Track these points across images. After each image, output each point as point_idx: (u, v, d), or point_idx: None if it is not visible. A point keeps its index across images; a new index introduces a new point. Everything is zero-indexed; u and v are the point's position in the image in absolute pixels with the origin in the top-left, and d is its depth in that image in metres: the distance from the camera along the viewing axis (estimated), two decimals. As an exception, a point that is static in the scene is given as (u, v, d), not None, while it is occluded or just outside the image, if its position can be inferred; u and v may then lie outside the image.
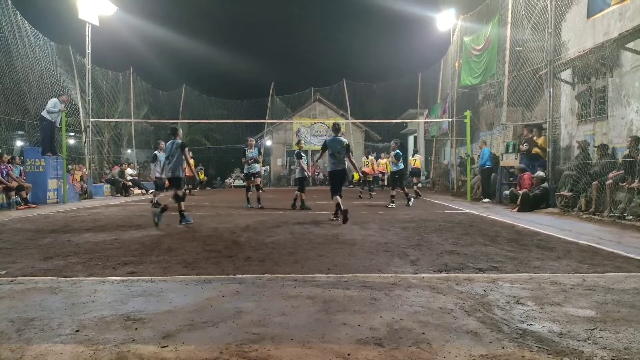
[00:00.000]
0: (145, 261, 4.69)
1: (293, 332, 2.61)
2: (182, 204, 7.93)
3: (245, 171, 11.44)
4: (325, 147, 8.48)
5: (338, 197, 8.26)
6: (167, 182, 11.86)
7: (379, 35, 49.44)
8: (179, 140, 7.93)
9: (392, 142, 11.91)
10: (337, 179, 8.43)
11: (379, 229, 7.11)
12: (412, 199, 11.28)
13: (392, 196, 11.30)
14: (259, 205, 10.82)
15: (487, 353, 2.30)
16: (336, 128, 8.62)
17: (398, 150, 11.54)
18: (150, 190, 18.93)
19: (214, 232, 6.94)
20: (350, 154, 8.43)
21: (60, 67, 15.62)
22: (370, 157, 16.46)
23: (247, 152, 11.09)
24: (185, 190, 11.14)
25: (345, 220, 7.86)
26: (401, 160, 11.63)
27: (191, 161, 9.65)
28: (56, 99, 13.00)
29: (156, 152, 11.64)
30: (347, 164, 8.47)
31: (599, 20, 9.76)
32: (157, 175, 11.65)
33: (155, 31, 28.83)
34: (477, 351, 2.32)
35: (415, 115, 25.38)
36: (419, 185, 16.35)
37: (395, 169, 11.53)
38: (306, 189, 11.17)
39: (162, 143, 11.94)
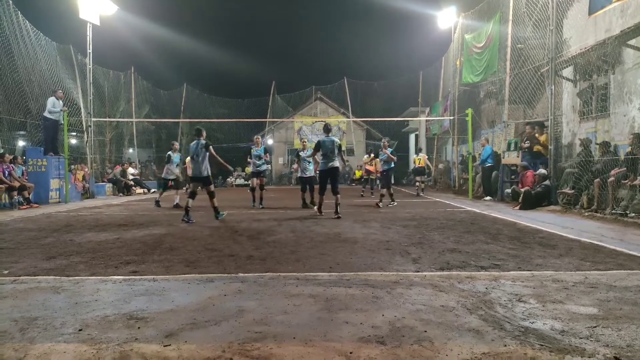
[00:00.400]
0: (147, 260, 4.70)
1: (295, 330, 2.62)
2: (215, 199, 8.41)
3: (252, 169, 11.40)
4: (318, 146, 8.90)
5: (338, 197, 8.68)
6: (169, 183, 11.92)
7: (380, 33, 49.51)
8: (203, 141, 8.34)
9: (384, 140, 11.64)
10: (329, 177, 8.84)
11: (380, 227, 7.11)
12: (381, 204, 10.80)
13: (391, 194, 11.21)
14: (260, 205, 10.82)
15: (489, 351, 2.30)
16: (327, 129, 9.18)
17: (391, 149, 11.46)
18: (152, 190, 19.01)
19: (215, 231, 6.95)
20: (342, 152, 8.99)
21: (61, 67, 15.64)
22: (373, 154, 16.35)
23: (252, 150, 11.06)
24: (187, 188, 11.16)
25: (318, 209, 8.87)
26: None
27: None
28: (53, 98, 12.93)
29: (170, 152, 11.55)
30: (338, 163, 8.86)
31: (600, 18, 9.73)
32: (166, 176, 11.58)
33: (156, 31, 28.87)
34: (479, 349, 2.32)
35: (416, 114, 25.34)
36: (422, 185, 16.30)
37: (387, 167, 11.18)
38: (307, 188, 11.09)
39: (176, 144, 12.00)
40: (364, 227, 7.22)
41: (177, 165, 11.72)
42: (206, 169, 8.33)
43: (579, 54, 10.04)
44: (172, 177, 11.58)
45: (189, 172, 8.53)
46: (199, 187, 8.54)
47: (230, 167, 9.51)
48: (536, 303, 3.10)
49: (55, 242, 5.90)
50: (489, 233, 6.42)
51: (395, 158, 11.23)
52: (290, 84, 34.98)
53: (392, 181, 11.58)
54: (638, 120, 8.83)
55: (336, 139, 9.00)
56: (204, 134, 8.48)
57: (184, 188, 12.68)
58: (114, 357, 2.28)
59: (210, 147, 8.36)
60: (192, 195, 8.33)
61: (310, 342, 2.44)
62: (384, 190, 11.22)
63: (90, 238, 6.25)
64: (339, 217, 8.35)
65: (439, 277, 3.86)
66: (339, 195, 8.70)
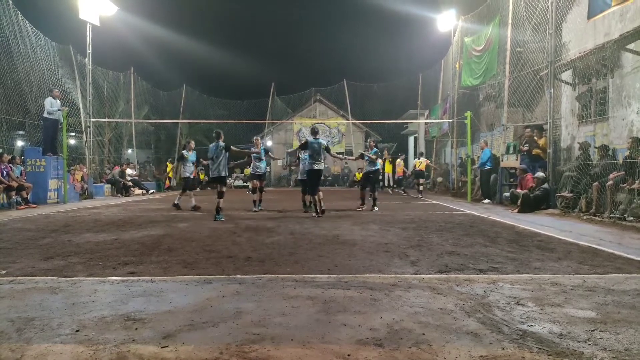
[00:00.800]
0: (145, 261, 4.69)
1: (293, 332, 2.61)
2: (221, 200, 8.76)
3: (251, 171, 11.35)
4: (305, 146, 9.35)
5: (320, 194, 9.22)
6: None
7: (380, 35, 49.49)
8: (222, 143, 8.86)
9: (370, 140, 11.80)
10: (315, 178, 9.31)
11: (379, 230, 7.11)
12: (376, 208, 10.61)
13: (363, 198, 10.93)
14: (259, 208, 10.80)
15: (487, 354, 2.30)
16: (315, 131, 9.71)
17: (376, 149, 11.40)
18: (151, 191, 18.98)
19: (214, 232, 6.94)
20: (330, 152, 9.61)
21: (61, 67, 15.62)
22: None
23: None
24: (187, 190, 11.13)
25: (316, 212, 9.13)
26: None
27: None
28: (50, 98, 12.86)
29: (184, 151, 11.39)
30: (323, 165, 9.43)
31: (599, 21, 9.76)
32: (187, 175, 11.46)
33: (155, 31, 28.86)
34: (477, 352, 2.32)
35: (415, 116, 25.36)
36: (421, 188, 16.31)
37: (371, 168, 10.95)
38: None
39: (192, 142, 11.92)
40: (362, 229, 7.21)
41: (193, 163, 11.56)
42: (224, 169, 8.87)
43: (578, 57, 10.06)
44: (188, 174, 11.43)
45: (215, 173, 8.88)
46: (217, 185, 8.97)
47: (256, 150, 10.41)
48: (534, 306, 3.10)
49: (53, 243, 5.88)
50: (487, 236, 6.42)
51: (374, 157, 10.93)
52: (290, 86, 35.04)
53: (383, 184, 11.52)
54: (636, 124, 8.85)
55: (323, 141, 9.51)
56: (222, 136, 9.00)
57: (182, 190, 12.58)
58: (111, 358, 2.28)
59: (231, 147, 8.92)
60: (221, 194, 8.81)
61: (308, 344, 2.43)
62: (375, 194, 11.04)
63: (88, 239, 6.24)
64: (323, 211, 9.02)
65: (438, 279, 3.86)
66: (319, 193, 9.23)
